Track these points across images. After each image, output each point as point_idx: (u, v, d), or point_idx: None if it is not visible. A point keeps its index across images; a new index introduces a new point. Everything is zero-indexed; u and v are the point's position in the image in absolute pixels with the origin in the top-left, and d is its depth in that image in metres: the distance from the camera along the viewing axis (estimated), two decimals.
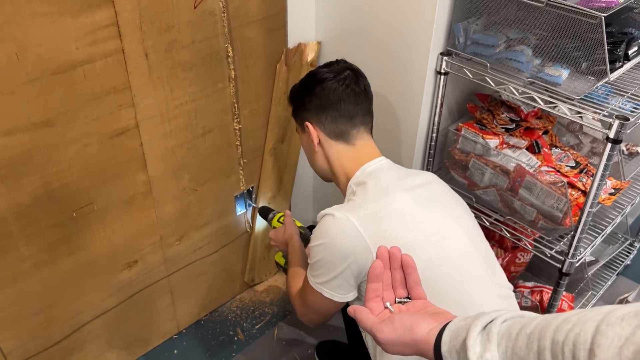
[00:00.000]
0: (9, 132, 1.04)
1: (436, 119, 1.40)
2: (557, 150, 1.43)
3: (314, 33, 1.54)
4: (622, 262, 1.85)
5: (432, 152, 1.46)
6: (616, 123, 1.07)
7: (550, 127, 1.46)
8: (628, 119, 1.07)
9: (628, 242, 1.89)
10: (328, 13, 1.48)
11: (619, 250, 1.85)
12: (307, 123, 1.13)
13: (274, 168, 1.63)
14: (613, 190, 1.38)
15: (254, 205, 1.65)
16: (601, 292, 1.75)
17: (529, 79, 1.20)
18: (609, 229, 1.41)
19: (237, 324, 1.71)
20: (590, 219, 1.22)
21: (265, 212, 1.46)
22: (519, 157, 1.35)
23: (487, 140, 1.37)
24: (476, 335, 0.58)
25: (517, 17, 1.31)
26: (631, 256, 1.88)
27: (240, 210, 1.62)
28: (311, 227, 1.10)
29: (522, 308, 1.46)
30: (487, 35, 1.26)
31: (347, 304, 1.06)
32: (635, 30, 1.23)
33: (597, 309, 0.51)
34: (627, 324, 0.47)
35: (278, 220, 1.40)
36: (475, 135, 1.39)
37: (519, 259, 1.59)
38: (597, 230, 1.40)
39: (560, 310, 1.54)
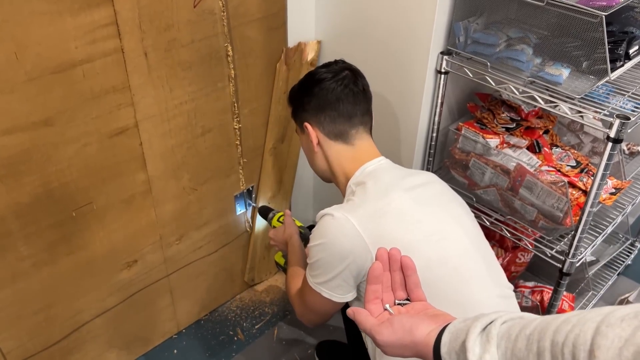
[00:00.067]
0: (8, 132, 1.04)
1: (436, 118, 1.40)
2: (557, 149, 1.43)
3: (314, 32, 1.54)
4: (623, 262, 1.84)
5: (432, 151, 1.46)
6: (617, 122, 1.07)
7: (550, 127, 1.46)
8: (629, 119, 1.07)
9: (629, 242, 1.88)
10: (328, 12, 1.48)
11: (620, 250, 1.84)
12: (306, 124, 1.12)
13: (274, 167, 1.63)
14: (614, 190, 1.38)
15: (254, 204, 1.64)
16: (602, 292, 1.75)
17: (530, 78, 1.19)
18: (609, 229, 1.41)
19: (237, 324, 1.71)
20: (590, 218, 1.21)
21: (265, 212, 1.46)
22: (519, 157, 1.34)
23: (488, 139, 1.37)
24: (475, 337, 0.58)
25: (517, 16, 1.31)
26: (632, 256, 1.88)
27: (240, 209, 1.62)
28: (311, 227, 1.10)
29: (522, 308, 1.46)
30: (487, 35, 1.26)
31: (347, 304, 1.06)
32: (636, 29, 1.23)
33: (596, 310, 0.51)
34: (627, 325, 0.46)
35: (278, 220, 1.40)
36: (476, 134, 1.38)
37: (520, 259, 1.58)
38: (597, 230, 1.39)
39: (561, 310, 1.54)
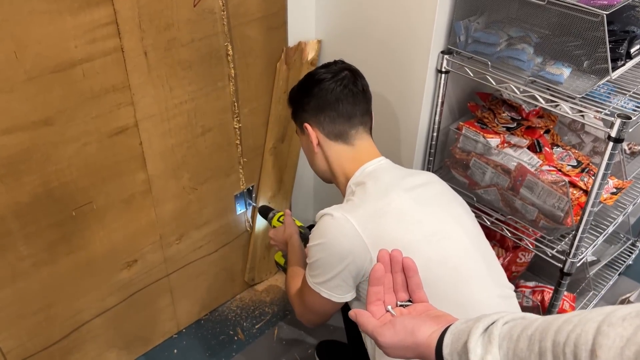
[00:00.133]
0: (8, 131, 1.04)
1: (437, 117, 1.40)
2: (558, 149, 1.42)
3: (314, 31, 1.54)
4: (624, 262, 1.84)
5: (432, 151, 1.46)
6: (618, 122, 1.06)
7: (551, 126, 1.45)
8: (630, 118, 1.06)
9: (630, 241, 1.88)
10: (328, 11, 1.47)
11: (621, 250, 1.84)
12: (306, 124, 1.12)
13: (274, 167, 1.63)
14: (615, 190, 1.37)
15: (254, 204, 1.64)
16: (603, 292, 1.75)
17: (531, 78, 1.19)
18: (610, 229, 1.40)
19: (237, 324, 1.71)
20: (591, 218, 1.21)
21: (265, 212, 1.46)
22: (520, 156, 1.34)
23: (488, 139, 1.36)
24: (477, 338, 0.58)
25: (518, 15, 1.30)
26: (633, 256, 1.88)
27: (240, 209, 1.62)
28: (311, 227, 1.10)
29: (523, 308, 1.45)
30: (488, 34, 1.25)
31: (347, 304, 1.06)
32: (637, 29, 1.23)
33: (598, 310, 0.51)
34: (628, 324, 0.46)
35: (278, 220, 1.40)
36: (476, 134, 1.38)
37: (520, 259, 1.58)
38: (598, 229, 1.39)
39: (562, 310, 1.53)
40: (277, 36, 1.43)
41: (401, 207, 1.00)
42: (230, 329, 1.69)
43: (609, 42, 1.07)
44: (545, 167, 1.34)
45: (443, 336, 0.62)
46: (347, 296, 1.02)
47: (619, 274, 1.83)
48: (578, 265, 1.31)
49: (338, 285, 1.00)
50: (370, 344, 1.08)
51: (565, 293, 1.55)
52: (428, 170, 1.50)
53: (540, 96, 1.17)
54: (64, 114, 1.10)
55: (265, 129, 1.54)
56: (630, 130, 1.08)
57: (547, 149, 1.40)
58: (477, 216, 1.33)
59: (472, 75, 1.27)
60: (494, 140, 1.36)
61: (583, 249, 1.30)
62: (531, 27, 1.25)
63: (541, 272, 1.71)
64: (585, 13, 1.07)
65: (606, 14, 1.04)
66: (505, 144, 1.38)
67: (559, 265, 1.31)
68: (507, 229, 1.39)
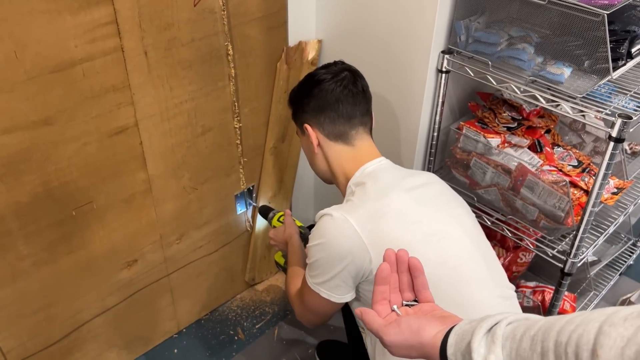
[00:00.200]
0: (8, 131, 1.04)
1: (437, 117, 1.40)
2: (559, 149, 1.42)
3: (314, 31, 1.54)
4: (625, 262, 1.84)
5: (433, 151, 1.46)
6: (619, 122, 1.06)
7: (552, 126, 1.45)
8: (631, 118, 1.06)
9: (631, 242, 1.88)
10: (329, 11, 1.47)
11: (622, 250, 1.84)
12: (307, 125, 1.12)
13: (275, 167, 1.63)
14: (616, 190, 1.37)
15: (254, 204, 1.64)
16: (603, 292, 1.74)
17: (531, 78, 1.19)
18: (611, 229, 1.40)
19: (237, 324, 1.71)
20: (592, 218, 1.21)
21: (265, 211, 1.46)
22: (520, 156, 1.34)
23: (489, 139, 1.36)
24: (481, 338, 0.58)
25: (519, 15, 1.30)
26: (634, 256, 1.87)
27: (240, 209, 1.62)
28: (311, 227, 1.10)
29: (523, 308, 1.45)
30: (488, 33, 1.25)
31: (347, 304, 1.06)
32: (638, 28, 1.22)
33: (600, 310, 0.51)
34: (629, 325, 0.47)
35: (278, 220, 1.40)
36: (477, 134, 1.38)
37: (521, 259, 1.58)
38: (599, 230, 1.39)
39: (562, 310, 1.53)
40: (278, 36, 1.42)
41: (401, 208, 1.00)
42: (230, 328, 1.69)
43: (610, 41, 1.07)
44: (546, 167, 1.34)
45: (447, 336, 0.62)
46: (347, 296, 1.02)
47: (619, 274, 1.83)
48: (579, 265, 1.31)
49: (337, 286, 1.00)
50: (370, 344, 1.07)
51: (566, 293, 1.55)
52: (428, 170, 1.50)
53: (541, 96, 1.17)
54: (64, 113, 1.10)
55: (266, 128, 1.54)
56: (631, 130, 1.08)
57: (548, 149, 1.40)
58: (478, 216, 1.33)
59: (472, 75, 1.27)
60: (495, 140, 1.36)
61: (584, 249, 1.30)
62: (532, 27, 1.24)
63: (542, 272, 1.70)
64: (586, 13, 1.06)
65: (607, 14, 1.03)
66: (506, 144, 1.38)
67: (560, 265, 1.31)
68: (508, 229, 1.38)
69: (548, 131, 1.45)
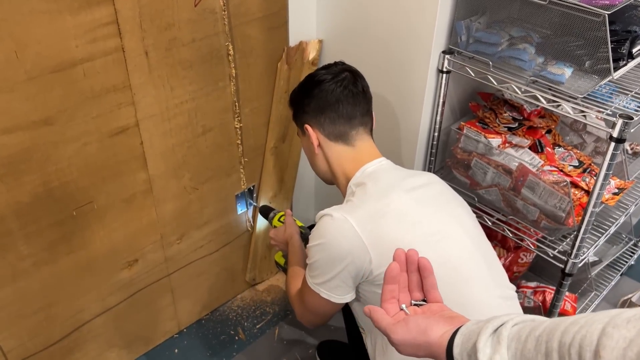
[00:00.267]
0: (8, 131, 1.04)
1: (438, 117, 1.39)
2: (560, 149, 1.42)
3: (315, 31, 1.54)
4: (626, 262, 1.84)
5: (434, 151, 1.46)
6: (620, 122, 1.06)
7: (553, 126, 1.45)
8: (632, 118, 1.06)
9: (632, 242, 1.87)
10: (329, 11, 1.47)
11: (623, 250, 1.84)
12: (307, 126, 1.12)
13: (275, 167, 1.63)
14: (617, 190, 1.37)
15: (255, 204, 1.64)
16: (604, 292, 1.74)
17: (532, 78, 1.19)
18: (612, 229, 1.40)
19: (238, 324, 1.71)
20: (593, 218, 1.21)
21: (265, 211, 1.46)
22: (521, 157, 1.34)
23: (490, 139, 1.36)
24: (487, 338, 0.59)
25: (520, 15, 1.30)
26: (635, 256, 1.87)
27: (241, 209, 1.62)
28: (312, 227, 1.10)
29: (524, 308, 1.45)
30: (489, 34, 1.25)
31: (347, 305, 1.06)
32: (639, 29, 1.22)
33: (605, 312, 0.52)
34: (632, 326, 0.47)
35: (279, 220, 1.40)
36: (478, 134, 1.38)
37: (522, 259, 1.58)
38: (600, 230, 1.39)
39: (563, 310, 1.53)
40: (278, 36, 1.42)
41: (401, 208, 1.00)
42: (231, 328, 1.69)
43: (611, 42, 1.07)
44: (547, 168, 1.33)
45: (454, 336, 0.63)
46: (347, 297, 1.02)
47: (620, 275, 1.83)
48: (580, 265, 1.30)
49: (337, 286, 1.00)
50: (370, 344, 1.07)
51: (567, 293, 1.55)
52: (429, 170, 1.50)
53: (542, 96, 1.16)
54: (65, 113, 1.10)
55: (266, 128, 1.54)
56: (632, 130, 1.07)
57: (549, 149, 1.40)
58: (479, 216, 1.33)
59: (473, 75, 1.27)
60: (496, 141, 1.36)
61: (585, 250, 1.30)
62: (533, 27, 1.24)
63: (543, 273, 1.70)
64: (586, 13, 1.06)
65: (608, 14, 1.03)
66: (507, 144, 1.38)
67: (561, 265, 1.31)
68: (509, 229, 1.38)
69: (549, 131, 1.45)
